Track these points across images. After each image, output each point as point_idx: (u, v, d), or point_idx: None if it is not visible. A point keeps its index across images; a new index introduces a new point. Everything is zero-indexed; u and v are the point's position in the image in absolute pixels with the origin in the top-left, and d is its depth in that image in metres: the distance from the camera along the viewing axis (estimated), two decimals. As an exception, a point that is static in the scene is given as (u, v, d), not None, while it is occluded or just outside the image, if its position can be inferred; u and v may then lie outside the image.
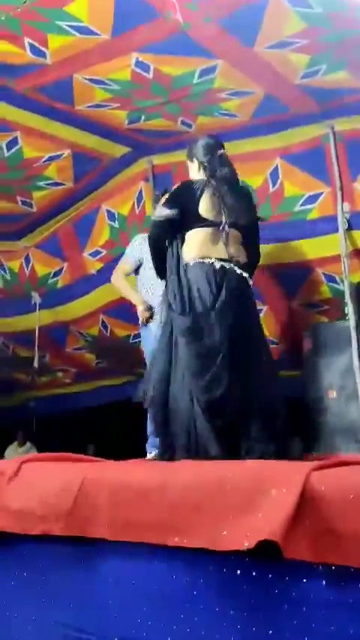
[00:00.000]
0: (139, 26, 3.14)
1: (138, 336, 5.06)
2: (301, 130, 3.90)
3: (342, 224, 3.86)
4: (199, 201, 2.86)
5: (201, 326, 2.72)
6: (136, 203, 4.57)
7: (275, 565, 1.61)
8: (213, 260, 2.80)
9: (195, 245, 2.86)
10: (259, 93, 3.62)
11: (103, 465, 2.30)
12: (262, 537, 1.54)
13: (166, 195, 3.20)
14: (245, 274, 2.87)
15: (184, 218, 2.89)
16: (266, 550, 1.57)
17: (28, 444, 6.87)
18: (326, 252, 4.07)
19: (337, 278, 4.09)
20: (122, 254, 4.12)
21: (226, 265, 2.81)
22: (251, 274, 3.01)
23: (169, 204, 3.02)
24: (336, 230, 3.89)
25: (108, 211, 4.76)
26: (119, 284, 3.90)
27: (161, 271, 3.03)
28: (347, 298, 3.90)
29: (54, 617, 2.01)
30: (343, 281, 3.95)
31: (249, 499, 1.65)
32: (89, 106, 3.80)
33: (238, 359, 2.67)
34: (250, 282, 2.93)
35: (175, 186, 3.19)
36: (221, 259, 2.81)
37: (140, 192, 4.57)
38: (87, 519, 1.97)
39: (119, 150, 4.36)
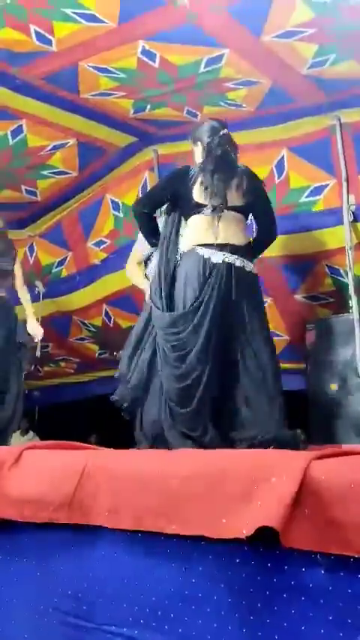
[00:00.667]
0: (145, 14, 3.12)
1: (141, 326, 5.08)
2: (307, 121, 3.87)
3: (347, 216, 3.84)
4: (192, 187, 2.87)
5: (180, 322, 2.77)
6: (140, 193, 4.55)
7: (274, 554, 1.60)
8: (205, 252, 2.80)
9: (190, 233, 2.88)
10: (266, 83, 3.60)
11: (104, 452, 2.30)
12: (261, 524, 1.54)
13: (164, 178, 3.21)
14: (241, 262, 2.85)
15: (179, 204, 2.92)
16: (265, 539, 1.57)
17: (31, 433, 6.89)
18: (331, 245, 4.05)
19: (342, 271, 4.08)
20: (126, 244, 4.11)
21: (218, 258, 2.80)
22: (259, 250, 3.04)
23: (160, 190, 3.07)
24: (341, 222, 3.87)
25: (112, 201, 4.75)
26: (131, 273, 3.82)
27: (153, 243, 3.16)
28: (351, 291, 3.89)
29: (52, 604, 2.02)
30: (347, 274, 3.93)
31: (249, 487, 1.65)
32: (94, 95, 3.79)
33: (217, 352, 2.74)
34: (251, 268, 2.91)
35: (171, 171, 3.21)
36: (216, 246, 2.81)
37: (145, 182, 4.55)
38: (88, 507, 1.97)
39: (124, 139, 4.34)
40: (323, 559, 1.54)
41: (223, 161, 2.91)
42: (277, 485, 1.60)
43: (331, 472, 1.60)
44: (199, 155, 3.03)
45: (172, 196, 2.99)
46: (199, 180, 2.88)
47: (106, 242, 4.92)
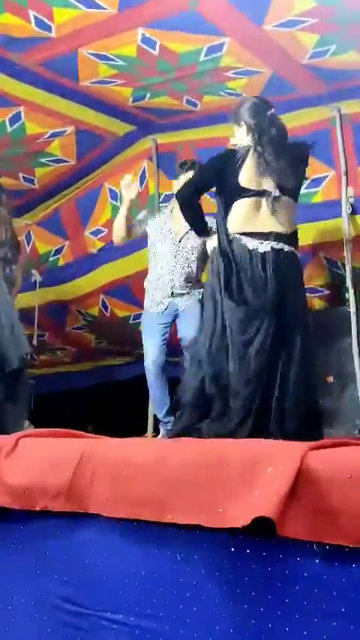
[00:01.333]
0: (146, 1, 3.10)
1: (138, 317, 5.07)
2: (307, 111, 3.86)
3: (346, 208, 3.84)
4: (239, 170, 2.72)
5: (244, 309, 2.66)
6: (138, 182, 4.54)
7: (269, 543, 1.61)
8: (248, 242, 2.69)
9: (236, 218, 2.73)
10: (266, 73, 3.59)
11: (101, 440, 2.30)
12: (258, 515, 1.54)
13: (207, 162, 3.07)
14: (288, 248, 2.73)
15: (224, 189, 2.77)
16: (261, 528, 1.57)
17: (27, 422, 6.88)
18: (329, 237, 4.05)
19: (339, 263, 4.08)
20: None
21: (263, 248, 2.69)
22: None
23: (204, 173, 2.96)
24: (339, 214, 3.87)
25: (110, 190, 4.73)
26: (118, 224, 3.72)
27: (198, 230, 3.06)
28: (348, 284, 3.89)
29: (49, 591, 2.02)
30: (344, 266, 3.93)
31: (246, 477, 1.65)
32: (94, 82, 3.76)
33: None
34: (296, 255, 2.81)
35: (216, 154, 3.00)
36: (262, 234, 2.70)
37: (143, 171, 4.54)
38: (84, 495, 1.97)
39: (123, 128, 4.32)
40: (318, 549, 1.55)
41: (280, 142, 2.76)
42: (274, 475, 1.60)
43: (328, 462, 1.61)
44: (242, 136, 2.84)
45: (217, 179, 2.81)
46: (251, 162, 2.72)
47: (103, 231, 4.90)
